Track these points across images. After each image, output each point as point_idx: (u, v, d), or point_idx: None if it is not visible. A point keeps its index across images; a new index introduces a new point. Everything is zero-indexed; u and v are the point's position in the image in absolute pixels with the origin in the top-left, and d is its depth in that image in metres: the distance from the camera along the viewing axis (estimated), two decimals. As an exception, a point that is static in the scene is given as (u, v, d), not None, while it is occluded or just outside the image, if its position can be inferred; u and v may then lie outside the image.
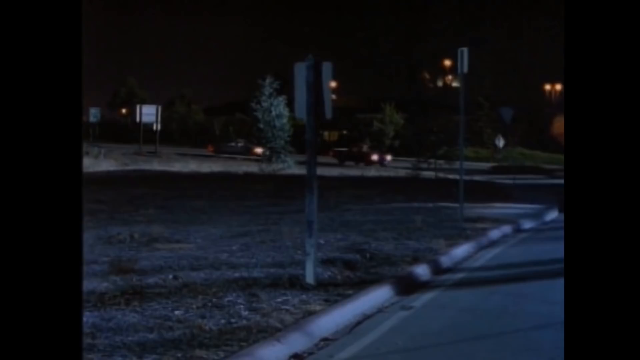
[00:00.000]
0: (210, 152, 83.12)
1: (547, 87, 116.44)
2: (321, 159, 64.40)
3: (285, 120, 53.35)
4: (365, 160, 74.86)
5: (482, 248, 16.95)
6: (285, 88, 45.34)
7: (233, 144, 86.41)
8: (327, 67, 11.38)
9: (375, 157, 76.45)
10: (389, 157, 78.21)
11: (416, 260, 13.73)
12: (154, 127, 73.86)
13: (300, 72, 11.36)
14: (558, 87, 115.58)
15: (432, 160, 54.52)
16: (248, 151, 77.94)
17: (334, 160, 74.42)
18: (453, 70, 65.15)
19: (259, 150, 77.56)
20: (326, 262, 12.85)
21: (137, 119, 76.67)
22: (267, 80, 52.46)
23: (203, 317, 8.99)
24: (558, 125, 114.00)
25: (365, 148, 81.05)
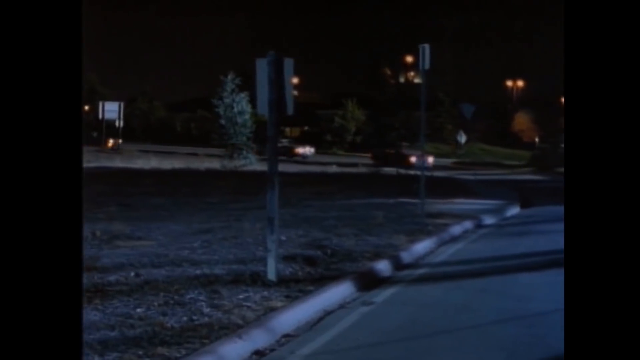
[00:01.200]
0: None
1: (509, 83, 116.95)
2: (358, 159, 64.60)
3: (247, 117, 53.21)
4: (404, 162, 62.65)
5: (443, 243, 17.03)
6: (248, 84, 45.23)
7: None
8: (288, 63, 11.38)
9: (414, 158, 64.97)
10: (430, 160, 66.22)
11: (377, 256, 13.77)
12: (117, 124, 73.69)
13: (262, 68, 11.36)
14: (520, 83, 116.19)
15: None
16: (289, 152, 75.46)
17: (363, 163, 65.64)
18: (414, 66, 65.06)
19: (300, 150, 77.09)
20: (287, 258, 12.86)
21: (100, 116, 76.42)
22: (229, 77, 52.29)
23: (165, 314, 8.98)
24: (519, 121, 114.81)
25: (404, 149, 70.35)
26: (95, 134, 78.71)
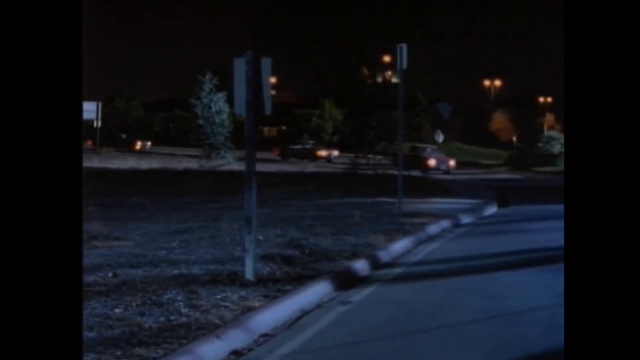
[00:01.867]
0: (276, 155, 77.82)
1: (486, 82, 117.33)
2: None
3: (224, 117, 53.12)
4: (422, 165, 57.02)
5: (420, 243, 17.08)
6: (225, 84, 45.16)
7: (299, 146, 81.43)
8: (266, 63, 11.38)
9: (433, 161, 59.49)
10: (452, 162, 61.84)
11: (355, 255, 13.80)
12: (95, 124, 73.35)
13: (240, 67, 11.35)
14: (497, 82, 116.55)
15: (370, 156, 54.67)
16: (311, 154, 74.60)
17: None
18: (392, 66, 64.95)
19: (323, 152, 75.86)
20: (265, 258, 12.87)
21: (77, 116, 76.07)
22: (207, 77, 52.22)
23: (142, 314, 8.97)
24: (497, 120, 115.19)
25: (426, 152, 62.96)
26: (124, 136, 78.08)
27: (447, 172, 58.50)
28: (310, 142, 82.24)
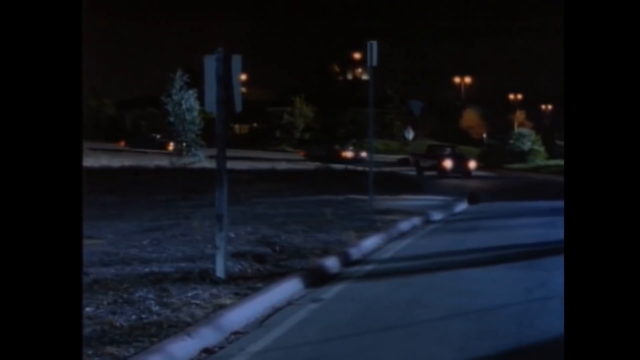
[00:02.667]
0: (301, 156, 73.86)
1: (457, 79, 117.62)
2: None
3: (195, 114, 53.10)
4: (438, 166, 51.63)
5: (391, 240, 17.11)
6: (196, 81, 45.11)
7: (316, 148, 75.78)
8: (236, 60, 11.36)
9: (448, 163, 51.87)
10: (472, 164, 54.16)
11: (326, 252, 13.81)
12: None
13: (210, 65, 11.32)
14: (467, 80, 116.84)
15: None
16: (334, 154, 69.44)
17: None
18: (363, 63, 65.24)
19: (349, 154, 72.11)
20: (236, 255, 12.87)
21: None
22: (178, 74, 52.18)
23: (114, 313, 8.95)
24: (467, 117, 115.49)
25: (445, 152, 55.78)
26: (158, 136, 76.62)
27: (466, 174, 51.09)
28: (339, 145, 79.18)
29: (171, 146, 68.05)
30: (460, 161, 52.72)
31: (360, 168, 47.06)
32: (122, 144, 78.09)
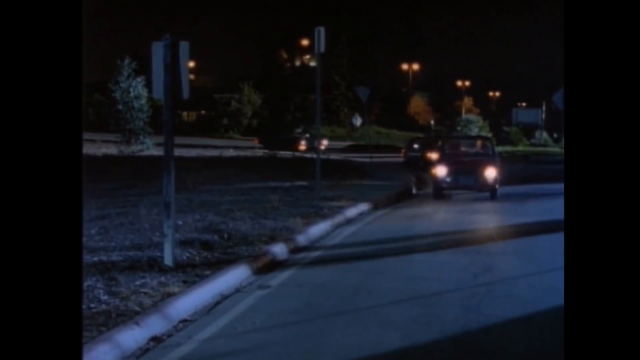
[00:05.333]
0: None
1: (404, 66, 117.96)
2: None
3: (143, 101, 52.78)
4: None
5: (338, 226, 17.19)
6: (144, 68, 44.84)
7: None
8: (184, 47, 11.31)
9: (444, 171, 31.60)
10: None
11: (273, 239, 13.85)
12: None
13: (158, 51, 11.26)
14: (415, 67, 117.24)
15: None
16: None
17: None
18: (310, 49, 64.88)
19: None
20: (184, 243, 12.86)
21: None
22: (126, 61, 51.86)
23: (61, 301, 8.92)
24: (415, 104, 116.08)
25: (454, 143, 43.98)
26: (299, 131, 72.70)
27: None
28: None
29: (303, 145, 64.91)
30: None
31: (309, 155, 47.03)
32: (256, 141, 73.54)
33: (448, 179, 25.18)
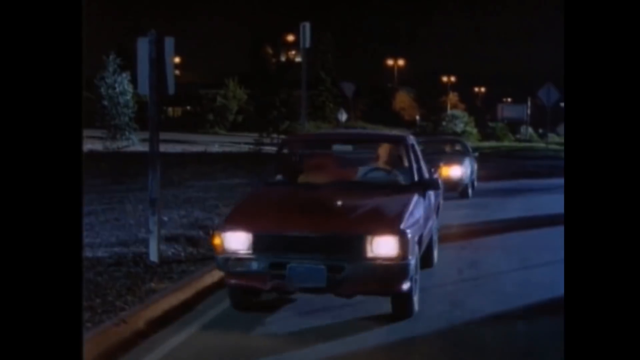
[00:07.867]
0: None
1: (390, 62, 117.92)
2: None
3: (129, 97, 52.65)
4: None
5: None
6: (129, 64, 44.75)
7: None
8: (169, 42, 11.27)
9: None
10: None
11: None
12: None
13: (143, 47, 11.23)
14: (400, 62, 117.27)
15: (274, 135, 54.53)
16: None
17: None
18: (296, 45, 64.81)
19: None
20: (170, 239, 12.82)
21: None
22: (111, 57, 51.75)
23: (46, 298, 8.90)
24: (400, 99, 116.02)
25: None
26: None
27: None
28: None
29: None
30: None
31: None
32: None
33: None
